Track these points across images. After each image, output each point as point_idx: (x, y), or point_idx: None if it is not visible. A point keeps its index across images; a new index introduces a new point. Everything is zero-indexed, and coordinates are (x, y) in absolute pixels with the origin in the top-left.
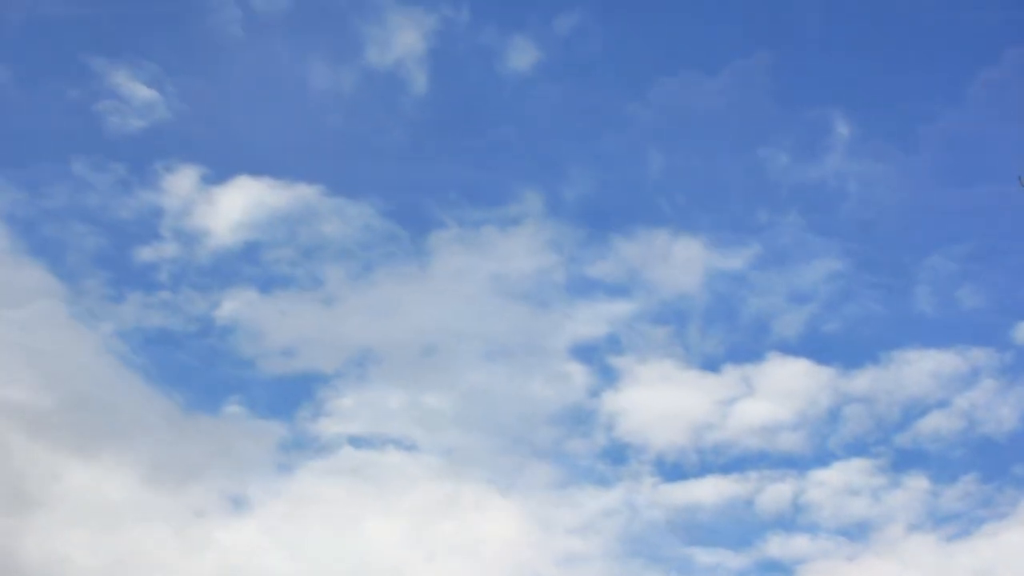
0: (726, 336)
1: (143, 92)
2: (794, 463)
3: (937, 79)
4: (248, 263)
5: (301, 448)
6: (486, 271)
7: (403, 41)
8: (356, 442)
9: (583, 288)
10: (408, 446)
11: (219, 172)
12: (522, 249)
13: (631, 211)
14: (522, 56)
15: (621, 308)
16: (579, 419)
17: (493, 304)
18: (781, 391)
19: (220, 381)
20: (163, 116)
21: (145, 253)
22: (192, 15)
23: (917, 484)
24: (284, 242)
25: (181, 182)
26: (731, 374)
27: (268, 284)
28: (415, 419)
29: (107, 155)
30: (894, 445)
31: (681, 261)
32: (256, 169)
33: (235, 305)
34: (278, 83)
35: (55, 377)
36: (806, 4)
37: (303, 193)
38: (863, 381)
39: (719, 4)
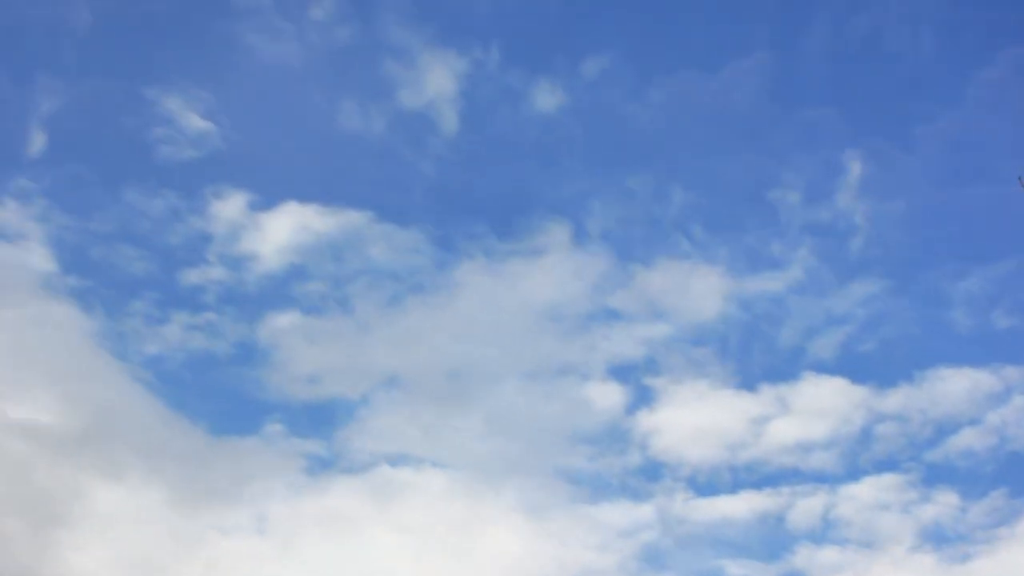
0: (762, 356)
1: (196, 121)
2: (825, 479)
3: (936, 79)
4: (288, 288)
5: (327, 468)
6: (514, 300)
7: (435, 82)
8: (388, 461)
9: (611, 314)
10: (434, 464)
11: (267, 198)
12: (548, 278)
13: (654, 241)
14: (548, 97)
15: (656, 331)
16: (614, 438)
17: (522, 331)
18: (815, 410)
19: (254, 403)
20: (215, 145)
21: (191, 277)
22: (246, 50)
23: (946, 499)
24: (321, 270)
25: (229, 207)
26: (767, 393)
27: (307, 309)
28: (443, 440)
29: (159, 182)
30: (925, 461)
31: (708, 287)
32: (301, 196)
33: (274, 329)
34: (318, 118)
35: (83, 399)
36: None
37: (337, 221)
38: (896, 399)
39: (733, 33)
